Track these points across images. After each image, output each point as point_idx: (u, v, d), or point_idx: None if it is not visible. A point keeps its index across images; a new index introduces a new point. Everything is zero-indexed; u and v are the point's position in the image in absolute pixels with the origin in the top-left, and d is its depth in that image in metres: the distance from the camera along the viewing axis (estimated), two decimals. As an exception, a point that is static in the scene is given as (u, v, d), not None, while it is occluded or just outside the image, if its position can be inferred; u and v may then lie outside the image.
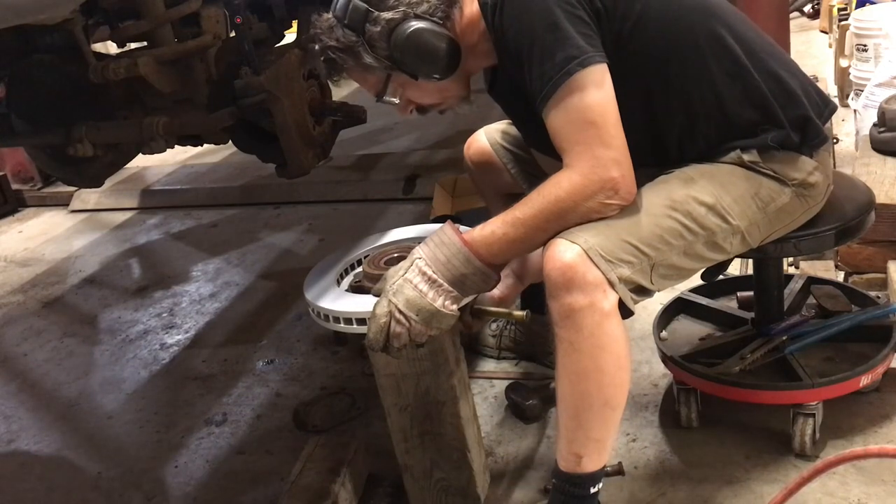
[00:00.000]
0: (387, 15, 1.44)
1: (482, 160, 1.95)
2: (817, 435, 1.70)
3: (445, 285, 1.40)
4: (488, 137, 1.94)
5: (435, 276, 1.40)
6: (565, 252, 1.34)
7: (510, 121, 1.88)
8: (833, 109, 1.60)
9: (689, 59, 1.48)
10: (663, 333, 1.97)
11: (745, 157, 1.49)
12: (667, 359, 1.86)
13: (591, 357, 1.36)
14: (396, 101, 1.56)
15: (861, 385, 1.71)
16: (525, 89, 1.42)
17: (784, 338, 1.80)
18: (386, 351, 1.42)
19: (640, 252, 1.38)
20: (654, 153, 1.53)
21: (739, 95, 1.49)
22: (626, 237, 1.37)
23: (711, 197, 1.45)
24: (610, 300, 1.34)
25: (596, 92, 1.35)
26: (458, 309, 1.43)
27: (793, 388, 1.69)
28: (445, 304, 1.40)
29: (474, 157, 1.97)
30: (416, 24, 1.44)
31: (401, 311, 1.38)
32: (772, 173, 1.50)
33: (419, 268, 1.41)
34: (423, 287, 1.39)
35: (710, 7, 1.52)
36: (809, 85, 1.58)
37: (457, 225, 1.45)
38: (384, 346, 1.41)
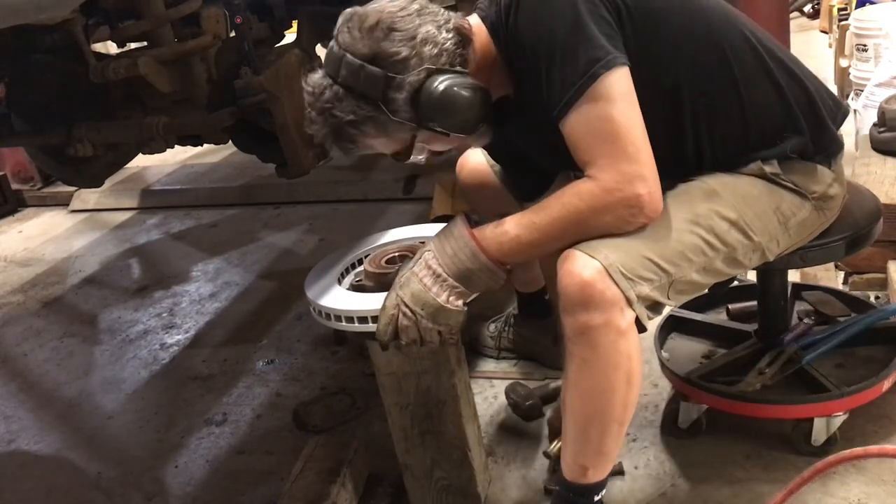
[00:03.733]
0: (409, 78, 1.32)
1: (477, 181, 1.86)
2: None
3: (450, 280, 1.37)
4: (486, 155, 1.84)
5: (440, 271, 1.37)
6: (584, 268, 1.28)
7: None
8: (846, 112, 1.56)
9: (713, 60, 1.42)
10: (664, 354, 1.90)
11: (767, 168, 1.45)
12: (682, 381, 1.78)
13: (605, 375, 1.33)
14: (423, 157, 1.47)
15: (884, 390, 1.68)
16: (542, 99, 1.33)
17: (796, 348, 1.76)
18: (394, 345, 1.41)
19: (660, 269, 1.33)
20: (673, 161, 1.46)
21: (762, 98, 1.44)
22: (648, 254, 1.32)
23: (734, 212, 1.40)
24: (627, 318, 1.30)
25: (621, 102, 1.28)
26: (465, 305, 1.39)
27: (822, 399, 1.65)
28: (450, 299, 1.37)
29: (468, 179, 1.88)
30: (443, 81, 1.32)
31: (407, 305, 1.36)
32: (793, 186, 1.46)
33: (426, 261, 1.38)
34: (428, 281, 1.37)
35: (732, 10, 1.48)
36: (823, 88, 1.54)
37: (471, 218, 1.40)
38: (393, 339, 1.40)
